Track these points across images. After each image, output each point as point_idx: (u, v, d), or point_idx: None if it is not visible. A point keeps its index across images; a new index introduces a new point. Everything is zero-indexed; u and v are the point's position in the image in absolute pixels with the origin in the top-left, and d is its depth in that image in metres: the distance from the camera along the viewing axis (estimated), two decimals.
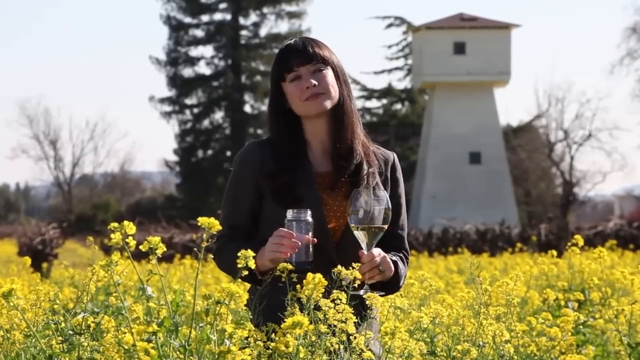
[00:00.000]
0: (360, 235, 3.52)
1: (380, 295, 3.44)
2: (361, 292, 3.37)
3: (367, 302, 3.36)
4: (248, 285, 3.76)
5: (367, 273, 3.48)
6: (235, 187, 3.73)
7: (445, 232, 30.05)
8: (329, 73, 3.68)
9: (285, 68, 3.67)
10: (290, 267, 3.27)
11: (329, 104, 3.68)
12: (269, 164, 3.68)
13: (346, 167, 3.68)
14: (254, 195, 3.69)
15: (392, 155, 3.84)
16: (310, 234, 3.47)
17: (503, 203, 48.53)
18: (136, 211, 52.99)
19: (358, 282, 3.26)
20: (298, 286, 3.19)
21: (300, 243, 3.43)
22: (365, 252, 3.51)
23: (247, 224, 3.70)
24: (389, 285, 3.61)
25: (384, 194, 3.57)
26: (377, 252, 3.52)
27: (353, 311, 3.15)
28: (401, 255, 3.73)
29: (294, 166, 3.68)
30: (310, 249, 3.47)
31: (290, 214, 3.48)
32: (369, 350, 3.15)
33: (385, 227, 3.55)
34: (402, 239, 3.78)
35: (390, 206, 3.56)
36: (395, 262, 3.61)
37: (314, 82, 3.64)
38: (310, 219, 3.48)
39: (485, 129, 49.41)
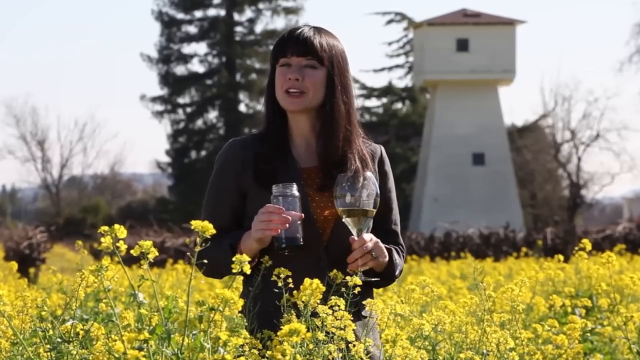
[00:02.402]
0: (349, 221, 3.48)
1: (375, 281, 3.45)
2: (355, 278, 3.29)
3: (367, 309, 3.32)
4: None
5: (360, 259, 3.44)
6: (218, 187, 3.70)
7: (447, 236, 30.14)
8: (319, 74, 3.63)
9: (280, 52, 3.66)
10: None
11: (303, 105, 3.63)
12: (251, 162, 3.63)
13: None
14: (236, 195, 3.66)
15: (379, 148, 3.79)
16: (298, 209, 3.42)
17: (507, 206, 48.63)
18: (127, 214, 53.22)
19: (356, 269, 3.24)
20: (295, 292, 3.14)
21: (290, 218, 3.39)
22: (356, 238, 3.45)
23: (230, 225, 3.65)
24: (384, 274, 3.57)
25: (372, 177, 3.53)
26: (369, 237, 3.48)
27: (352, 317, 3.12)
28: (397, 248, 3.69)
29: (278, 163, 3.63)
30: (300, 226, 3.41)
31: (275, 189, 3.44)
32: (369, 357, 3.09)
33: (374, 211, 3.50)
34: (397, 235, 3.74)
35: (378, 192, 3.52)
36: (389, 250, 3.57)
37: (296, 76, 3.60)
38: (297, 192, 3.44)
39: (489, 129, 49.46)
